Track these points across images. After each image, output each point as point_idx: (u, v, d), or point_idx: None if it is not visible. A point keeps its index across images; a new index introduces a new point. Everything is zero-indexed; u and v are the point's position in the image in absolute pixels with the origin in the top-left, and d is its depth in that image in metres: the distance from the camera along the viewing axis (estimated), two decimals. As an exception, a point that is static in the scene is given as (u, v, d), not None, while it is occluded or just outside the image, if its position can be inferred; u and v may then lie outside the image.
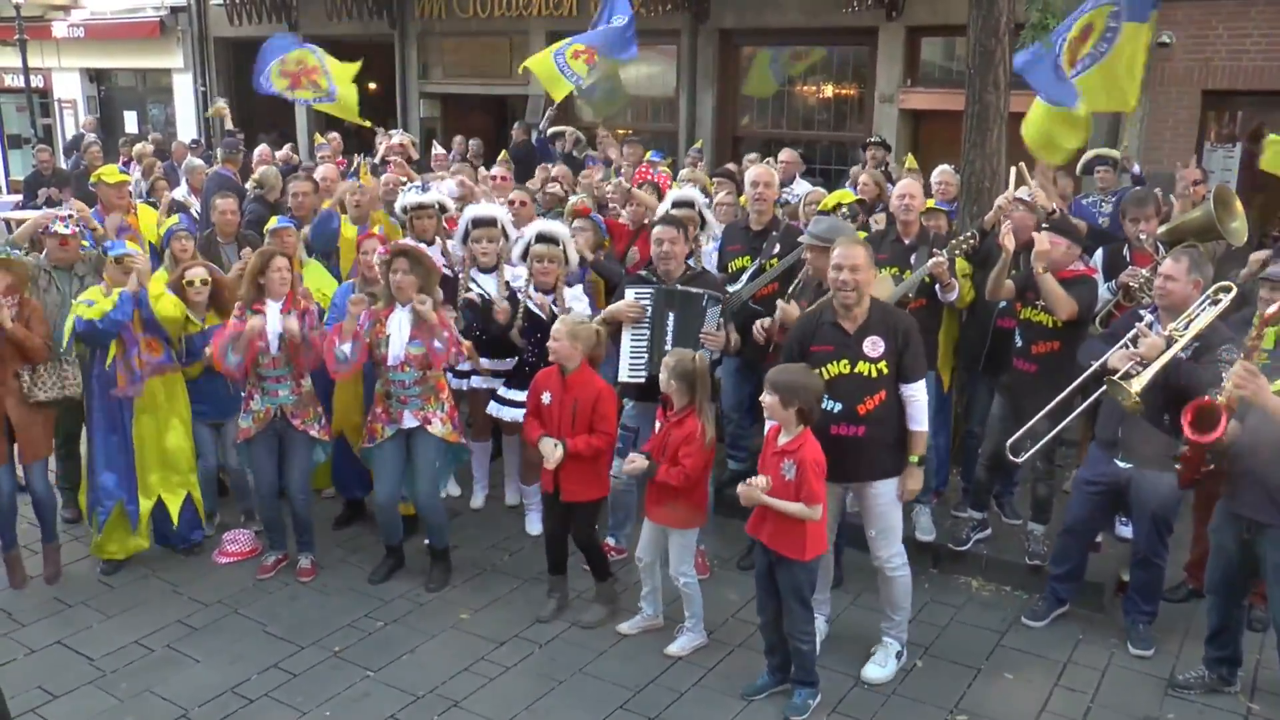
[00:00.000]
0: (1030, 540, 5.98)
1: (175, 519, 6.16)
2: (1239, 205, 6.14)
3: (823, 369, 4.85)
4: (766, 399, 4.63)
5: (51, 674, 5.10)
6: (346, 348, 5.59)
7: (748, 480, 4.63)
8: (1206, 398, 4.42)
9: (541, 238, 6.24)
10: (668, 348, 5.62)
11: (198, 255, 6.53)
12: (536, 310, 6.20)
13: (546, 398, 5.38)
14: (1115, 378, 4.78)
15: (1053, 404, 5.32)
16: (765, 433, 4.82)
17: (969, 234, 6.08)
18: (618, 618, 5.54)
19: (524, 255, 6.36)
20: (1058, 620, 5.57)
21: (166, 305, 5.92)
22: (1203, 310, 4.86)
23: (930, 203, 6.81)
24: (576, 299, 6.25)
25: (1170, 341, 4.81)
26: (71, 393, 5.86)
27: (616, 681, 5.05)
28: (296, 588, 5.94)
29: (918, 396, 4.90)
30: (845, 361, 4.86)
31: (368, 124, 9.84)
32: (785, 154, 9.65)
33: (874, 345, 4.83)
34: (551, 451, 5.25)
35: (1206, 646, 5.02)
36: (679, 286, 5.86)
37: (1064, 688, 5.05)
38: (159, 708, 4.84)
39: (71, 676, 5.08)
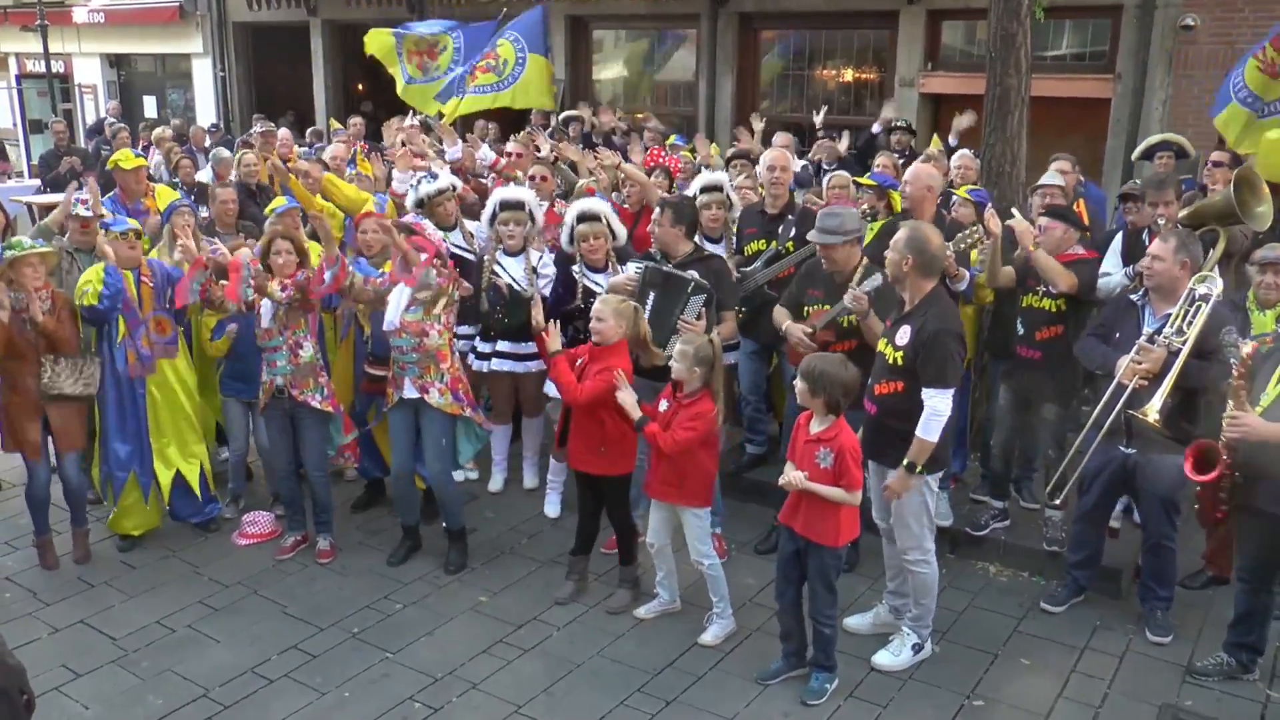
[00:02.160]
0: (1048, 526, 5.97)
1: (197, 489, 6.24)
2: (1265, 189, 6.03)
3: (880, 341, 5.00)
4: (797, 384, 4.69)
5: (74, 653, 5.16)
6: (326, 274, 5.67)
7: (785, 474, 4.67)
8: (1206, 441, 4.58)
9: (583, 217, 6.24)
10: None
11: (198, 231, 6.49)
12: (595, 288, 6.14)
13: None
14: (1131, 410, 4.88)
15: (1074, 445, 5.35)
16: (796, 419, 4.84)
17: (975, 226, 6.04)
18: (638, 601, 5.56)
19: (491, 220, 6.53)
20: (1075, 606, 5.56)
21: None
22: (1196, 312, 4.88)
23: (962, 191, 6.73)
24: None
25: (1171, 351, 4.86)
26: (93, 390, 5.85)
27: (634, 665, 5.07)
28: (315, 569, 5.98)
29: (931, 404, 4.68)
30: (885, 340, 4.95)
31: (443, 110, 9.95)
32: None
33: (903, 333, 4.83)
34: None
35: (1230, 631, 5.00)
36: (666, 267, 5.80)
37: (1081, 674, 5.04)
38: (180, 687, 4.89)
39: (94, 655, 5.14)
